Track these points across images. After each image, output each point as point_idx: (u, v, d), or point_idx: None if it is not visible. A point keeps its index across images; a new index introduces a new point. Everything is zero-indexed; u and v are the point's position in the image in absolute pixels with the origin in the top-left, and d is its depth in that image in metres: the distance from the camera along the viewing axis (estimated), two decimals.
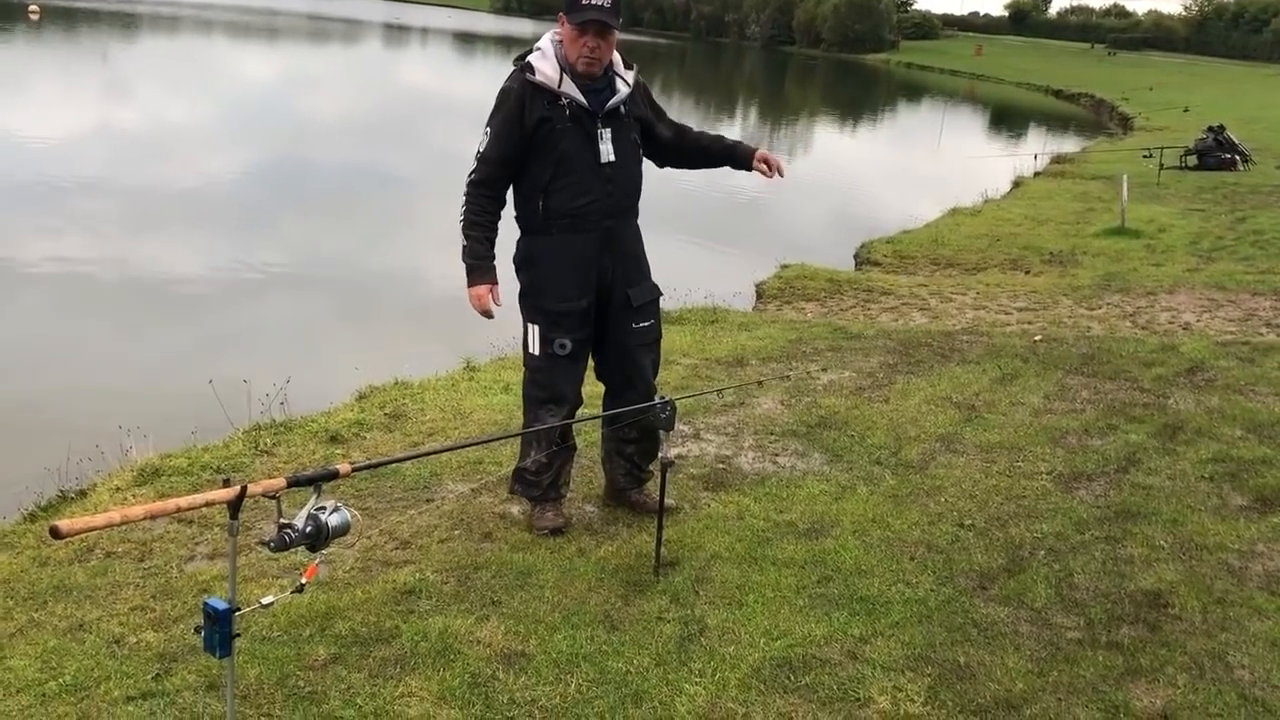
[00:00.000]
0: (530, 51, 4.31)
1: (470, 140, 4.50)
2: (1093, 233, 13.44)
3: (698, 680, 3.50)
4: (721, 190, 16.86)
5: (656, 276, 4.67)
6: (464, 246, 4.34)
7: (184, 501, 2.40)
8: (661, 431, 4.13)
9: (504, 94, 4.25)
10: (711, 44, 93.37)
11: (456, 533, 4.62)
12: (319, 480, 2.72)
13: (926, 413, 6.25)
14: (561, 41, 4.24)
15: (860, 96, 53.94)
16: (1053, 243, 12.91)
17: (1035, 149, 25.52)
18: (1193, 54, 77.97)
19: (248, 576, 4.17)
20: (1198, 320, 9.33)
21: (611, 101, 4.28)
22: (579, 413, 4.65)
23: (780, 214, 16.70)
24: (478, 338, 8.33)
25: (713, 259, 12.77)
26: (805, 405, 6.38)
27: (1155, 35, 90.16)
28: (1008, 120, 42.64)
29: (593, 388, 4.74)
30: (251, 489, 2.53)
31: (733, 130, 28.66)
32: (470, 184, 4.31)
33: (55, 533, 2.17)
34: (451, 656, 3.62)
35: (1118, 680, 3.52)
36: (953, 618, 3.91)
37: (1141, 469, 5.34)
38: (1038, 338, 8.12)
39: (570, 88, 4.20)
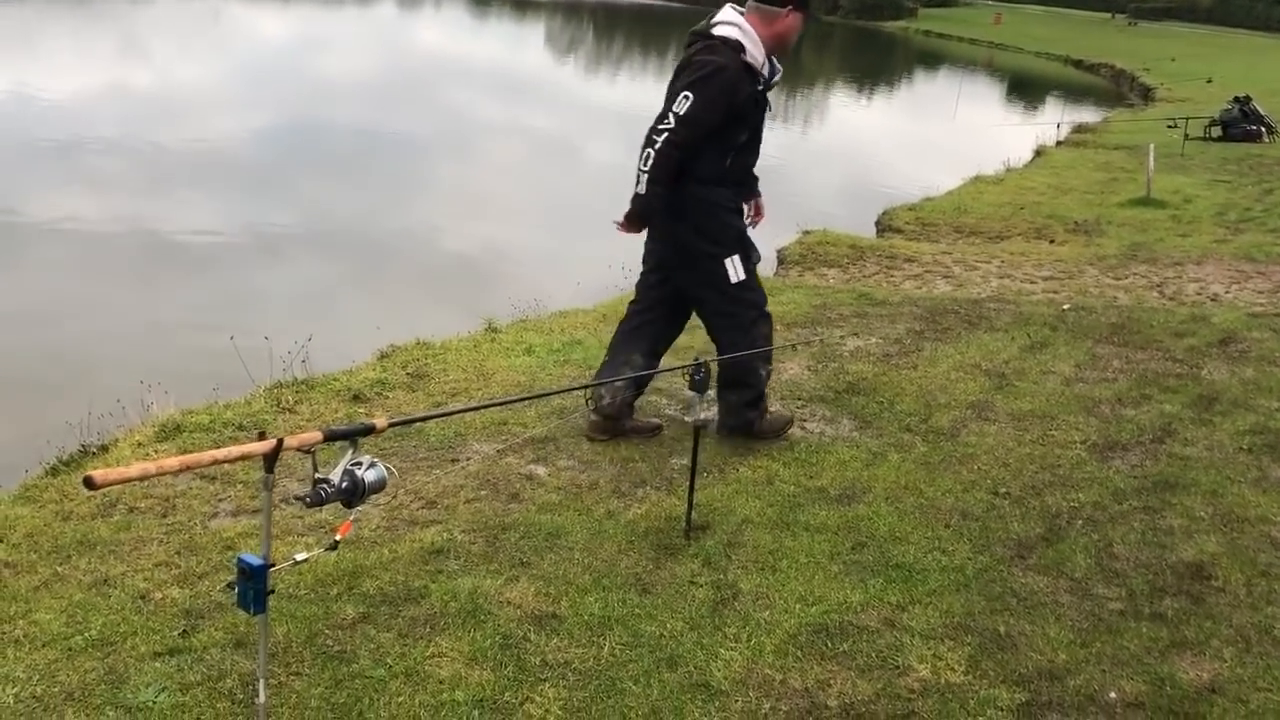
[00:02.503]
0: (715, 26, 4.69)
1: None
2: (1117, 202, 13.26)
3: (733, 645, 3.43)
4: None
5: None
6: (640, 195, 4.69)
7: (219, 454, 2.32)
8: (694, 394, 4.04)
9: (719, 69, 4.57)
10: None
11: (483, 493, 4.56)
12: (355, 434, 2.64)
13: (956, 380, 6.15)
14: (749, 24, 4.67)
15: (877, 64, 53.35)
16: (1077, 212, 12.74)
17: (1055, 119, 25.21)
18: (1215, 25, 76.95)
19: (273, 534, 4.10)
20: (1226, 291, 9.19)
21: (774, 80, 4.86)
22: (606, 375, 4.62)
23: (797, 182, 16.51)
24: (497, 299, 8.30)
25: None
26: (832, 371, 6.29)
27: (1177, 5, 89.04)
28: (1026, 90, 42.12)
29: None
30: (288, 442, 2.46)
31: None
32: (667, 142, 4.56)
33: (89, 483, 2.10)
34: (482, 617, 3.56)
35: (1162, 653, 3.45)
36: (991, 586, 3.83)
37: (1178, 439, 5.25)
38: (1066, 306, 8.00)
39: (766, 69, 4.74)
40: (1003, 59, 55.82)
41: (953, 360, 6.53)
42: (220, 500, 4.50)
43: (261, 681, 2.67)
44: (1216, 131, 20.76)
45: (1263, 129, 20.77)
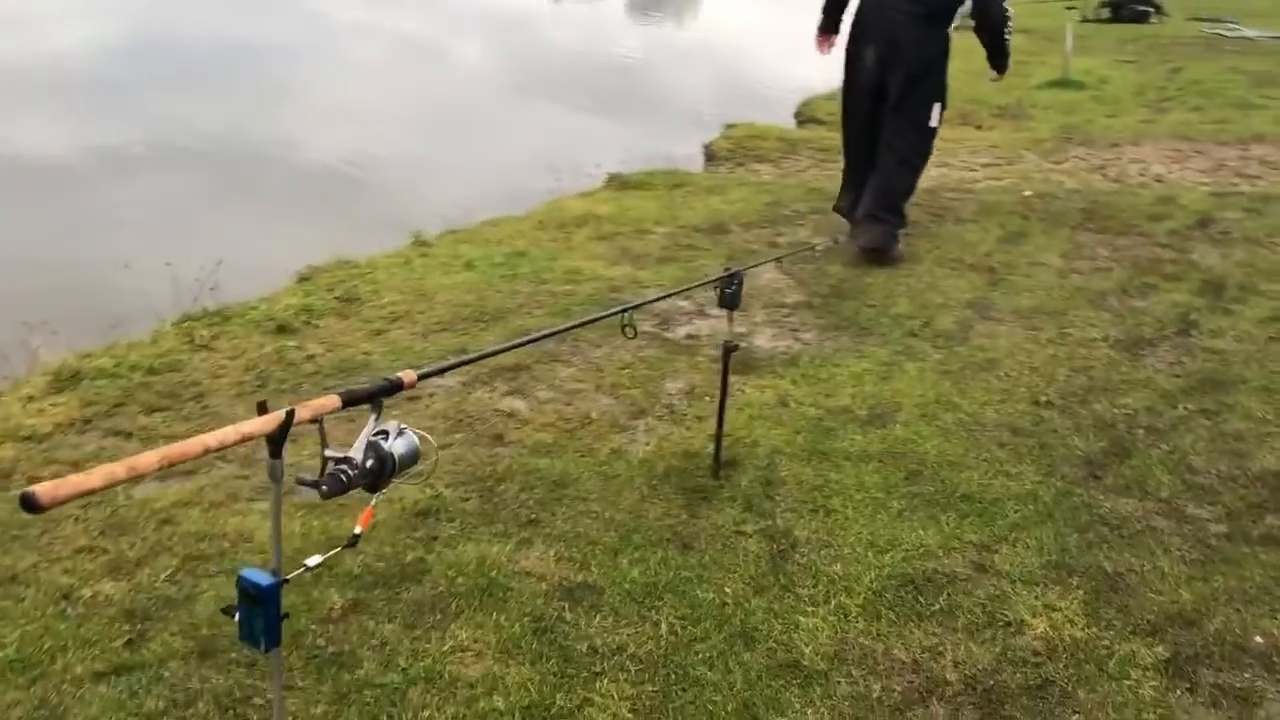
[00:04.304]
0: None
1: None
2: (1034, 85, 12.90)
3: (811, 610, 2.87)
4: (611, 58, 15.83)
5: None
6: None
7: (211, 439, 1.62)
8: (725, 310, 3.41)
9: None
10: None
11: (458, 436, 3.88)
12: (379, 396, 1.95)
13: (943, 277, 5.65)
14: None
15: None
16: (997, 96, 12.28)
17: None
18: None
19: (229, 514, 3.38)
20: (1168, 171, 8.89)
21: None
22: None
23: (685, 80, 15.71)
24: (414, 211, 7.46)
25: (642, 127, 11.82)
26: (809, 274, 5.72)
27: None
28: None
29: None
30: (300, 413, 1.76)
31: None
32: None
33: (31, 503, 1.38)
34: (500, 595, 2.92)
35: None
36: (1077, 515, 3.34)
37: (1203, 331, 4.84)
38: (1027, 193, 7.57)
39: None
40: None
41: (933, 256, 6.02)
42: None
43: None
44: (1105, 13, 20.64)
45: (1150, 9, 20.72)
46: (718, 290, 3.34)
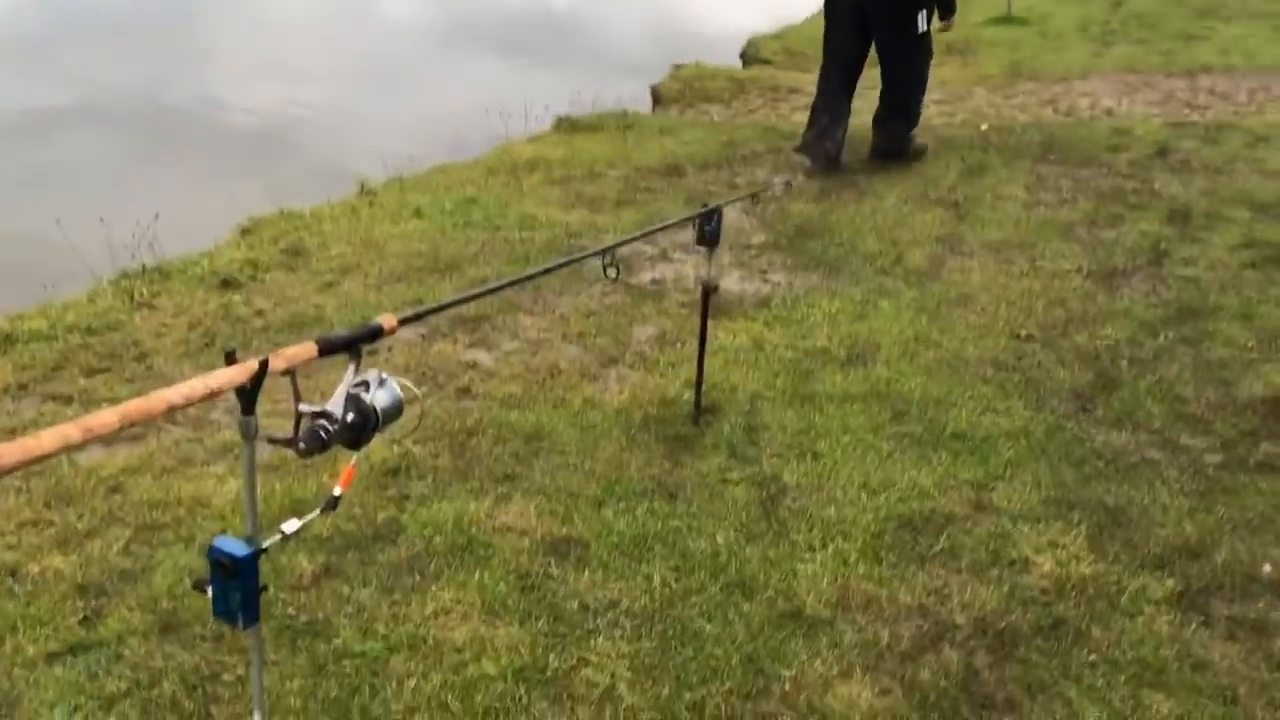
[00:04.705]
0: None
1: None
2: (977, 22, 12.76)
3: (808, 556, 2.74)
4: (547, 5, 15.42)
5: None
6: None
7: (176, 395, 1.43)
8: (705, 249, 3.24)
9: None
10: None
11: (423, 389, 3.69)
12: (358, 342, 1.77)
13: (910, 213, 5.53)
14: None
15: None
16: (942, 34, 12.19)
17: None
18: None
19: (190, 476, 3.18)
20: (1118, 104, 8.82)
21: None
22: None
23: (625, 26, 15.36)
24: (356, 159, 7.20)
25: (585, 73, 11.51)
26: (772, 214, 5.57)
27: None
28: None
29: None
30: (273, 363, 1.58)
31: None
32: None
33: None
34: (481, 552, 2.76)
35: None
36: (1071, 449, 3.25)
37: (1174, 260, 4.77)
38: (984, 126, 7.46)
39: None
40: None
41: (897, 192, 5.90)
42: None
43: (258, 714, 1.83)
44: None
45: None
46: (696, 227, 3.17)
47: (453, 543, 2.80)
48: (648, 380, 3.74)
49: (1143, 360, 3.82)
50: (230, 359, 1.56)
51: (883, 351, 3.91)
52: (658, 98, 9.44)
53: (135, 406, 1.38)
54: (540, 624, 2.50)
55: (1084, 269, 4.68)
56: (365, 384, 1.80)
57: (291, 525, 1.77)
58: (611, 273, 2.61)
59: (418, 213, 5.64)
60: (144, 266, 4.83)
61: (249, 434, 1.59)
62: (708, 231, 3.16)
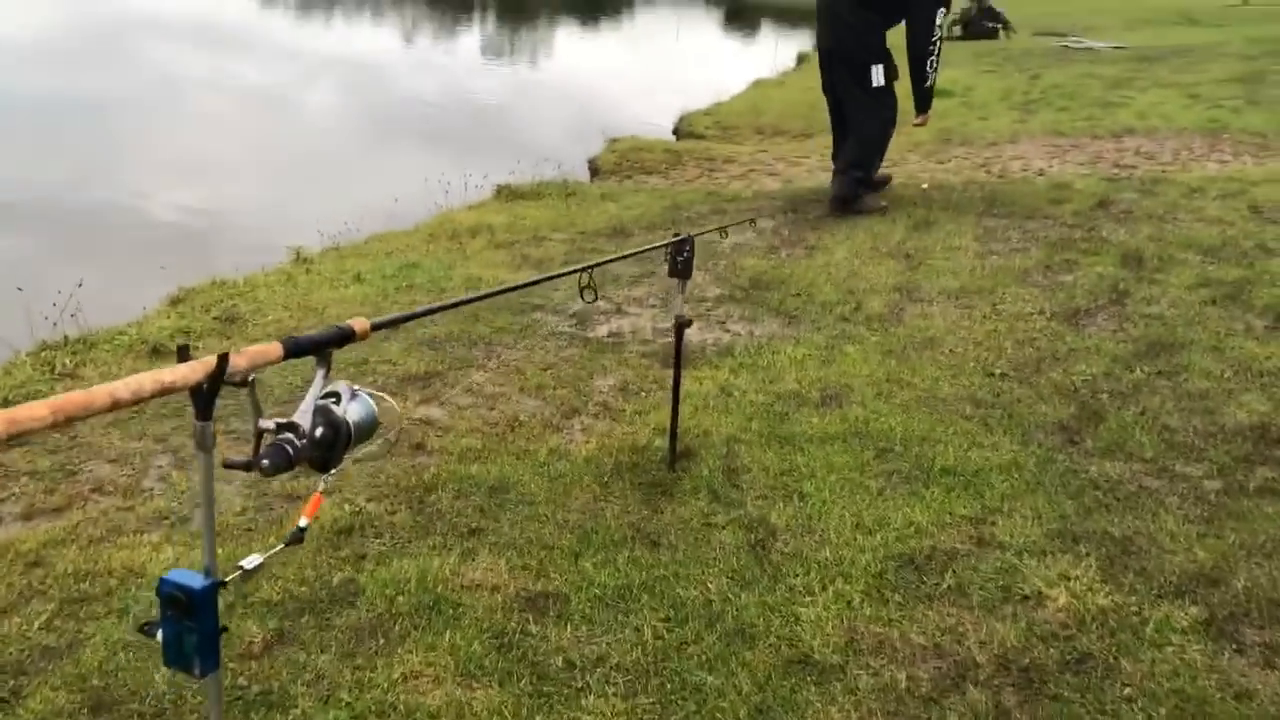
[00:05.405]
0: None
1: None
2: (905, 94, 12.97)
3: (808, 600, 2.53)
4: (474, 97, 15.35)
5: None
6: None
7: (123, 389, 1.20)
8: (679, 281, 3.07)
9: None
10: None
11: (372, 448, 3.44)
12: (327, 345, 1.56)
13: (862, 265, 5.43)
14: None
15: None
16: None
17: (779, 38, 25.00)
18: None
19: (101, 543, 2.89)
20: (1049, 166, 8.91)
21: None
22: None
23: (555, 113, 15.28)
24: (296, 237, 6.93)
25: (520, 153, 11.37)
26: (723, 269, 5.45)
27: None
28: (743, 15, 41.73)
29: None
30: (234, 360, 1.36)
31: (472, 38, 26.22)
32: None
33: None
34: (450, 612, 2.51)
35: None
36: (1066, 481, 3.09)
37: (1136, 299, 4.71)
38: (925, 186, 7.46)
39: None
40: None
41: (846, 247, 5.81)
42: (2, 501, 3.20)
43: None
44: (958, 30, 21.16)
45: (999, 25, 21.35)
46: (668, 258, 3.00)
47: (418, 602, 2.55)
48: (615, 429, 3.54)
49: (1123, 393, 3.70)
50: (184, 354, 1.34)
51: (855, 393, 3.75)
52: (595, 170, 9.36)
53: (73, 399, 1.15)
54: (523, 684, 2.25)
55: (1046, 311, 4.60)
56: (335, 395, 1.59)
57: (253, 560, 1.53)
58: (589, 295, 2.42)
59: (358, 278, 5.41)
60: (66, 337, 4.53)
61: (206, 444, 1.37)
62: (679, 262, 2.99)
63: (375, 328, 1.66)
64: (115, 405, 1.20)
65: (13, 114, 12.64)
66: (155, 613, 2.48)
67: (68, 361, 4.27)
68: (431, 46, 23.07)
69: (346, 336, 1.59)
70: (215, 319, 4.83)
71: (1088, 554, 2.71)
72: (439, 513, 2.99)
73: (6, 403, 3.90)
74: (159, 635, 1.39)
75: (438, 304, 1.95)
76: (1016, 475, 3.12)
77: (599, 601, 2.54)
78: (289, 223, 8.00)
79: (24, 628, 2.51)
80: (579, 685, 2.25)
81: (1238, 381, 3.78)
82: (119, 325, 4.71)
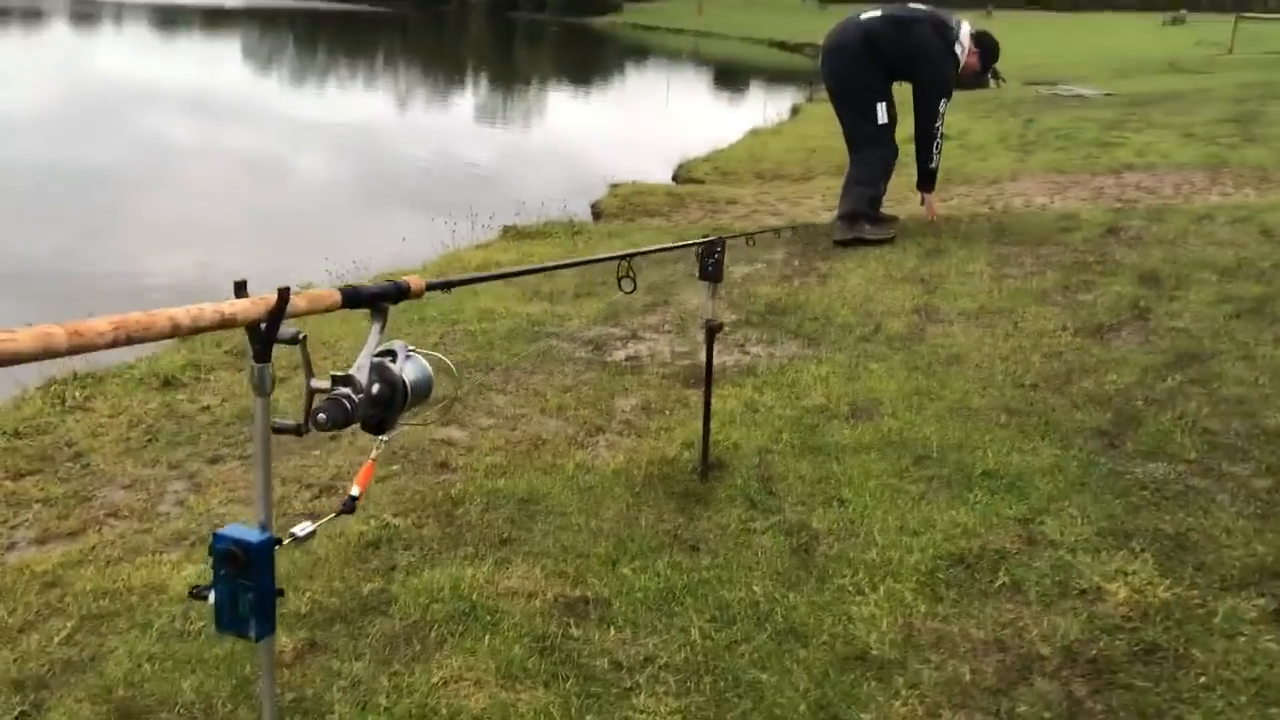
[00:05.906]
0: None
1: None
2: (903, 138, 13.04)
3: (861, 599, 2.44)
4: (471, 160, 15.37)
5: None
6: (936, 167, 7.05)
7: (183, 315, 1.13)
8: (706, 285, 3.02)
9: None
10: (433, 12, 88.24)
11: (396, 468, 3.36)
12: (383, 300, 1.49)
13: (878, 290, 5.39)
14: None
15: (589, 60, 52.59)
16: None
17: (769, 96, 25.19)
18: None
19: (119, 563, 2.79)
20: (1051, 201, 8.91)
21: None
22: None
23: (552, 171, 15.23)
24: (310, 276, 6.86)
25: (525, 199, 11.39)
26: (737, 296, 5.39)
27: None
28: (733, 76, 42.08)
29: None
30: (295, 301, 1.29)
31: (465, 102, 26.34)
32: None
33: None
34: (487, 617, 2.42)
35: None
36: (1111, 482, 3.01)
37: (1158, 315, 4.65)
38: (931, 218, 7.44)
39: None
40: (709, 45, 56.73)
41: (860, 274, 5.77)
42: (15, 527, 3.11)
43: None
44: None
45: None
46: (699, 262, 2.94)
47: (453, 609, 2.45)
48: (641, 444, 3.46)
49: (1158, 400, 3.63)
50: (241, 290, 1.27)
51: (885, 405, 3.68)
52: (598, 213, 9.36)
53: (134, 318, 1.08)
54: (569, 684, 2.16)
55: (1069, 327, 4.54)
56: (390, 354, 1.52)
57: (305, 527, 1.45)
58: (627, 284, 2.36)
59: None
60: (75, 372, 4.46)
61: (264, 387, 1.30)
62: (710, 265, 2.94)
63: (430, 287, 1.59)
64: (175, 331, 1.13)
65: (42, 182, 12.50)
66: (178, 625, 2.39)
67: (77, 395, 4.20)
68: (424, 111, 23.25)
69: (403, 292, 1.53)
70: (226, 352, 4.76)
71: (1142, 550, 2.62)
72: (468, 524, 2.90)
73: (17, 433, 3.82)
74: (211, 598, 1.31)
75: (492, 273, 1.89)
76: (1060, 477, 3.04)
77: (641, 605, 2.45)
78: (297, 266, 7.95)
79: (43, 643, 2.41)
80: (628, 685, 2.15)
81: (1273, 387, 3.71)
82: (127, 360, 4.64)
